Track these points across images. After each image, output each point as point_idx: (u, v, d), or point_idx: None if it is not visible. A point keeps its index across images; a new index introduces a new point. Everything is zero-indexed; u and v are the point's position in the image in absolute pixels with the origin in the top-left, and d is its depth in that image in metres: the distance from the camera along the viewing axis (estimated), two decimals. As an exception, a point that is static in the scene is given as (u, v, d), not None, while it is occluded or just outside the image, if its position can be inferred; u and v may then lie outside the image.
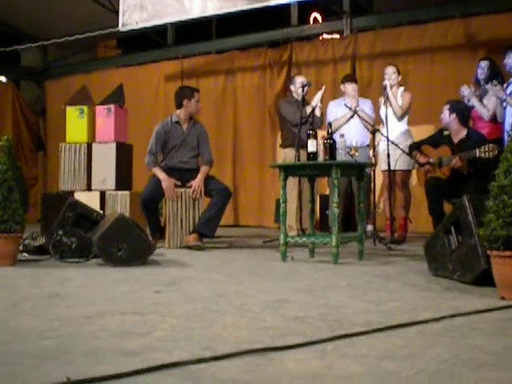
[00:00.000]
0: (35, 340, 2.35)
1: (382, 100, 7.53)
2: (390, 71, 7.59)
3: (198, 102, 7.13)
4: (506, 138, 6.26)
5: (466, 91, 7.18)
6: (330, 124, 5.78)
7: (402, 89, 7.59)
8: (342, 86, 8.01)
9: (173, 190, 6.79)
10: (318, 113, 7.65)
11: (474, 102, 7.08)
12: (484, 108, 7.06)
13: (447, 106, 6.63)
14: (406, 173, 7.50)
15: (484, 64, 7.29)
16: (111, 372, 1.89)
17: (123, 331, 2.50)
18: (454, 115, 6.58)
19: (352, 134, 7.19)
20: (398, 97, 7.54)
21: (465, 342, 2.34)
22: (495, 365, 2.03)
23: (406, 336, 2.44)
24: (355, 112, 7.65)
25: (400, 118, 7.43)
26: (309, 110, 7.50)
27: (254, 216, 11.09)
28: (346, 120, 7.78)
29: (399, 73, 7.66)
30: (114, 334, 2.44)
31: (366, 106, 7.91)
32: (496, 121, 7.02)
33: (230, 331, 2.51)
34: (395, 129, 7.28)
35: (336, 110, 7.86)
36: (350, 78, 8.22)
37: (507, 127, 6.42)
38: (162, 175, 6.84)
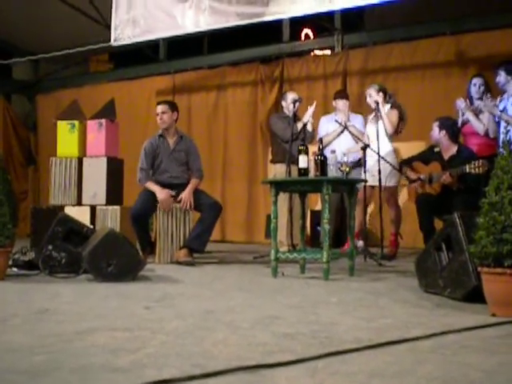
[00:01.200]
0: (25, 356, 2.33)
1: (370, 117, 7.54)
2: (374, 90, 7.60)
3: (156, 114, 7.18)
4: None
5: (461, 104, 7.14)
6: (321, 140, 5.79)
7: (388, 106, 7.59)
8: (333, 102, 8.05)
9: (169, 200, 6.78)
10: (309, 128, 7.63)
11: (469, 116, 7.07)
12: (480, 123, 7.04)
13: (436, 123, 6.67)
14: (394, 189, 7.50)
15: (477, 81, 7.30)
16: (101, 389, 1.88)
17: (113, 347, 2.48)
18: (443, 132, 6.62)
19: (343, 150, 7.16)
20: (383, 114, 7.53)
21: (455, 359, 2.34)
22: (486, 382, 2.04)
23: (396, 353, 2.43)
24: (345, 127, 7.67)
25: (390, 136, 7.42)
26: (300, 125, 7.50)
27: (242, 231, 11.06)
28: (337, 135, 7.82)
29: (382, 91, 7.68)
30: (104, 351, 2.42)
31: (356, 121, 7.95)
32: (489, 137, 7.04)
33: (221, 348, 2.50)
34: (384, 146, 7.25)
35: (327, 126, 7.89)
36: (342, 94, 8.27)
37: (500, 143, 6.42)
38: (155, 188, 6.83)
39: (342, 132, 7.74)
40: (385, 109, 7.47)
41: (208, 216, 6.76)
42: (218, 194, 10.64)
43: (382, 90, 7.56)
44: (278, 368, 2.17)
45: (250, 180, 10.91)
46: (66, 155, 7.84)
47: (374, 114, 7.42)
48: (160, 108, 7.15)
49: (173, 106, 7.24)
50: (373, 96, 7.49)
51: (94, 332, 2.81)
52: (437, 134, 6.65)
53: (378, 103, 7.38)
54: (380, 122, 7.33)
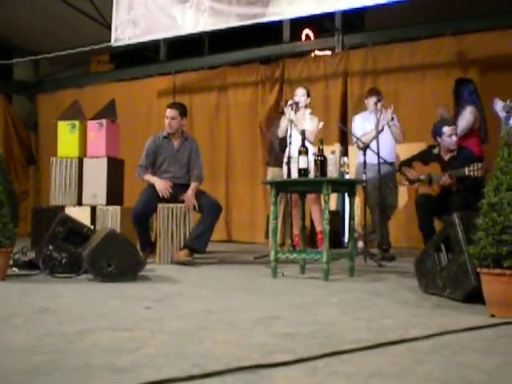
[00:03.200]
0: (25, 356, 2.34)
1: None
2: (301, 93, 7.68)
3: (166, 117, 7.14)
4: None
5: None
6: (321, 141, 5.79)
7: (308, 111, 7.69)
8: (365, 100, 7.89)
9: (167, 185, 6.82)
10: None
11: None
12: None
13: (452, 128, 6.61)
14: None
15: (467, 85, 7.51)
16: (101, 389, 1.89)
17: (113, 347, 2.49)
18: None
19: (382, 149, 7.14)
20: (308, 120, 7.61)
21: (455, 359, 2.35)
22: (485, 382, 2.04)
23: (395, 353, 2.44)
24: (388, 126, 7.54)
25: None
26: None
27: (245, 231, 11.07)
28: (378, 134, 7.74)
29: (309, 95, 7.78)
30: (105, 351, 2.43)
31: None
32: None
33: (220, 348, 2.51)
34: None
35: (363, 124, 7.72)
36: (373, 91, 8.07)
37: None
38: (153, 179, 6.91)
39: (382, 130, 7.62)
40: (306, 113, 7.66)
41: (208, 216, 6.76)
42: (221, 194, 10.67)
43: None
44: (277, 368, 2.18)
45: (252, 180, 10.91)
46: (67, 155, 7.85)
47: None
48: (170, 113, 7.11)
49: (183, 111, 7.19)
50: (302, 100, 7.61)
51: (94, 332, 2.81)
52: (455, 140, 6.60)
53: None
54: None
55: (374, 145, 7.09)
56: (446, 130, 6.61)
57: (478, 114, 7.41)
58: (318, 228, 7.56)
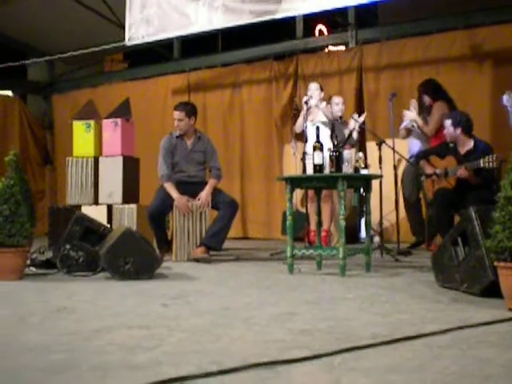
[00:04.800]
0: (43, 354, 2.35)
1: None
2: (314, 87, 7.76)
3: (174, 119, 7.13)
4: None
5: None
6: (336, 136, 5.77)
7: (324, 104, 7.78)
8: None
9: (186, 207, 6.78)
10: (354, 136, 8.08)
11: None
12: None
13: (449, 122, 6.62)
14: None
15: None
16: (118, 386, 1.90)
17: (131, 345, 2.50)
18: (459, 129, 6.57)
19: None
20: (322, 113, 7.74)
21: (472, 354, 2.34)
22: (503, 377, 2.03)
23: (412, 348, 2.43)
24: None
25: None
26: (346, 131, 7.86)
27: (262, 228, 11.07)
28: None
29: (322, 89, 7.86)
30: (122, 348, 2.44)
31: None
32: None
33: (237, 345, 2.52)
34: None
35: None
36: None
37: None
38: (174, 193, 6.80)
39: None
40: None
41: (225, 214, 6.76)
42: (237, 192, 10.67)
43: None
44: (294, 364, 2.18)
45: (267, 177, 10.91)
46: (82, 155, 7.87)
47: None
48: (176, 115, 7.09)
49: (190, 112, 7.13)
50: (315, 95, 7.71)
51: (112, 330, 2.82)
52: (452, 131, 6.61)
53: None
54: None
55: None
56: (445, 123, 6.68)
57: (445, 108, 7.59)
58: (325, 226, 7.58)
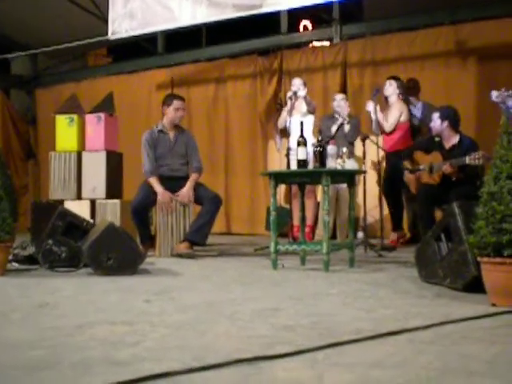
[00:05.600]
0: (24, 351, 2.33)
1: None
2: (298, 83, 7.93)
3: (177, 109, 7.05)
4: None
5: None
6: (319, 131, 5.78)
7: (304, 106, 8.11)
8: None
9: (168, 204, 6.76)
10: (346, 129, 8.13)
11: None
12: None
13: (437, 114, 6.64)
14: None
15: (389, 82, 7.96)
16: (101, 383, 1.88)
17: (113, 341, 2.48)
18: (446, 122, 6.59)
19: None
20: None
21: (455, 349, 2.34)
22: (486, 373, 2.03)
23: (396, 344, 2.43)
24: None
25: None
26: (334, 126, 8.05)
27: (245, 224, 11.07)
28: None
29: (305, 85, 8.07)
30: (104, 344, 2.43)
31: None
32: None
33: (221, 340, 2.51)
34: None
35: None
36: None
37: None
38: (158, 188, 6.78)
39: None
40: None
41: (208, 209, 6.75)
42: (221, 187, 10.65)
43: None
44: (276, 360, 2.17)
45: (252, 172, 10.90)
46: (65, 149, 7.83)
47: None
48: (181, 104, 7.12)
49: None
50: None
51: (94, 326, 2.81)
52: (438, 124, 6.62)
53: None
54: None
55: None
56: (432, 116, 6.73)
57: (404, 107, 7.83)
58: (308, 222, 7.61)
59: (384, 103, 7.95)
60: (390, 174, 7.44)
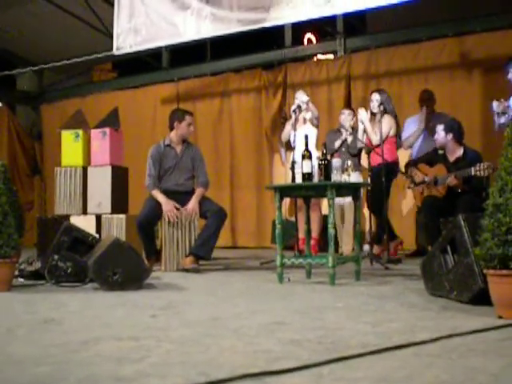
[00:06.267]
0: (29, 367, 2.32)
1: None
2: (301, 96, 8.03)
3: (189, 124, 7.08)
4: None
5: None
6: (324, 145, 5.77)
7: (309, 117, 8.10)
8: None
9: (173, 212, 6.75)
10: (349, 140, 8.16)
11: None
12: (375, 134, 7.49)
13: (441, 127, 6.64)
14: None
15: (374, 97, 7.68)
16: (105, 399, 1.87)
17: (118, 357, 2.47)
18: (450, 135, 6.60)
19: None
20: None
21: (462, 362, 2.32)
22: (493, 386, 2.02)
23: (402, 357, 2.42)
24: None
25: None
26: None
27: (251, 237, 11.06)
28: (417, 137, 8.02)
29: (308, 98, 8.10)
30: (110, 360, 2.41)
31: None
32: None
33: (226, 355, 2.49)
34: None
35: (410, 127, 8.07)
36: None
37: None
38: (161, 198, 6.79)
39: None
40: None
41: (213, 223, 6.74)
42: (226, 200, 10.67)
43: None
44: (282, 375, 2.15)
45: (258, 186, 10.91)
46: (71, 165, 7.85)
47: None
48: (192, 119, 7.20)
49: None
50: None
51: (100, 341, 2.80)
52: (442, 137, 6.62)
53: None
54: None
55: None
56: (436, 128, 6.71)
57: (392, 122, 7.66)
58: (313, 234, 7.59)
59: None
60: (372, 188, 7.14)
